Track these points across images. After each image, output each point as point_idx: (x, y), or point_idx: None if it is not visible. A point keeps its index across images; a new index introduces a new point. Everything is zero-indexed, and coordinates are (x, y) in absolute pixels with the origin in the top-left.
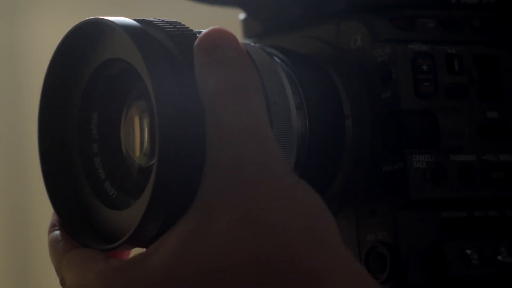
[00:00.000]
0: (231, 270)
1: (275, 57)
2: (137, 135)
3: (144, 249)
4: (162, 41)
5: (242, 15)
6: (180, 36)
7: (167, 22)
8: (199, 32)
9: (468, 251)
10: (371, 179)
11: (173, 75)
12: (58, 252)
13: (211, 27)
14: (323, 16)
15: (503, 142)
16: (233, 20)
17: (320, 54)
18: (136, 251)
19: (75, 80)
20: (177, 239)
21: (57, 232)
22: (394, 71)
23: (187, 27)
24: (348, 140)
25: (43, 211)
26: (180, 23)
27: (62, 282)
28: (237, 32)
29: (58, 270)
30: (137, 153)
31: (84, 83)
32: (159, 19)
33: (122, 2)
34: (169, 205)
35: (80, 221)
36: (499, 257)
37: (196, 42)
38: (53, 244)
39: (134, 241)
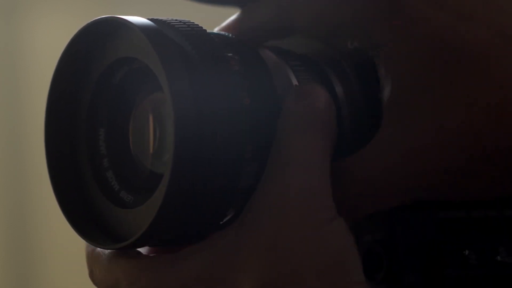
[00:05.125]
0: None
1: None
2: (151, 139)
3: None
4: (177, 42)
5: None
6: (195, 36)
7: (181, 21)
8: (213, 33)
9: (466, 251)
10: None
11: (190, 77)
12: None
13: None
14: None
15: None
16: None
17: (317, 55)
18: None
19: (81, 89)
20: (212, 249)
21: None
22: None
23: (201, 27)
24: (345, 140)
25: (43, 211)
26: (194, 22)
27: (91, 274)
28: None
29: (88, 262)
30: (150, 155)
31: (89, 94)
32: (172, 19)
33: (123, 2)
34: (183, 204)
35: (88, 220)
36: (498, 257)
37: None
38: None
39: (146, 240)
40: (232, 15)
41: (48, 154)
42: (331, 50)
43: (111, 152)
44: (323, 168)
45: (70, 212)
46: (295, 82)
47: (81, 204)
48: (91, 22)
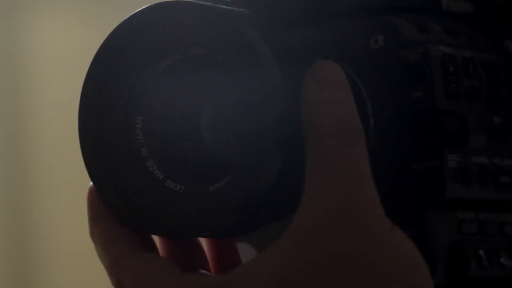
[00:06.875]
0: None
1: None
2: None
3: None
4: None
5: None
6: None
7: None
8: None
9: (483, 252)
10: (398, 178)
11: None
12: (116, 251)
13: (324, 60)
14: (334, 15)
15: (506, 146)
16: None
17: (336, 54)
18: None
19: (119, 79)
20: (268, 269)
21: (114, 228)
22: (428, 71)
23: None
24: (371, 139)
25: (44, 211)
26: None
27: (119, 283)
28: None
29: (113, 271)
30: (208, 143)
31: (129, 83)
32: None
33: (123, 2)
34: (247, 193)
35: (130, 211)
36: (502, 259)
37: (309, 71)
38: (109, 241)
39: (210, 230)
40: None
41: (83, 146)
42: (349, 49)
43: (151, 141)
44: (368, 176)
45: (111, 204)
46: None
47: (120, 195)
48: (142, 8)
